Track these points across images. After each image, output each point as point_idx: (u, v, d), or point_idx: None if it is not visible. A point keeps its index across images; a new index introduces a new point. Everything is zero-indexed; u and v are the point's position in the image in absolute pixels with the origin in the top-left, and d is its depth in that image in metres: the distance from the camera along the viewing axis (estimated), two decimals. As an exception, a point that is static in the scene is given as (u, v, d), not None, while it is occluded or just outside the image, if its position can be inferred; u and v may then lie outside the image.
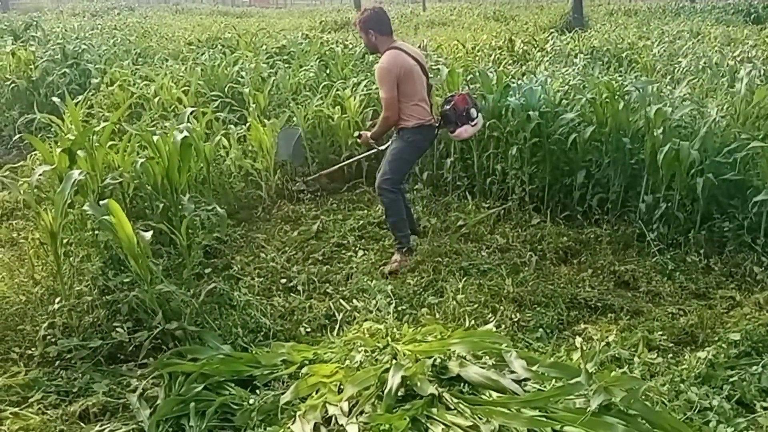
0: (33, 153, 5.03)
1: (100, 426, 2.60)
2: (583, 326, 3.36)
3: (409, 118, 4.19)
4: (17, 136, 5.01)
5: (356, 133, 4.88)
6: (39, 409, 2.70)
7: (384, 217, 4.48)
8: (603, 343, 2.97)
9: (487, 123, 4.99)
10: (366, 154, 5.19)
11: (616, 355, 2.88)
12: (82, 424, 2.64)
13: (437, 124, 4.37)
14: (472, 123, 4.30)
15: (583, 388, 2.06)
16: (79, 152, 3.95)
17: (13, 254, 4.12)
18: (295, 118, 5.77)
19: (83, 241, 3.91)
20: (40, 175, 3.42)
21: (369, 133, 4.51)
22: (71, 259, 3.75)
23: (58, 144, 4.09)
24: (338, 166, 5.57)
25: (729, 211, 4.24)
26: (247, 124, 5.65)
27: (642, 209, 4.51)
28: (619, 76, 6.46)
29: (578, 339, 3.07)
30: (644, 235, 4.39)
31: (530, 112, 4.78)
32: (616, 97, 4.71)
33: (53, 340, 3.09)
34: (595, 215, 4.77)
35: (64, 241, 3.87)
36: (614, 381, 2.09)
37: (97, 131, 4.20)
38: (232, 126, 5.69)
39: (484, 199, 5.20)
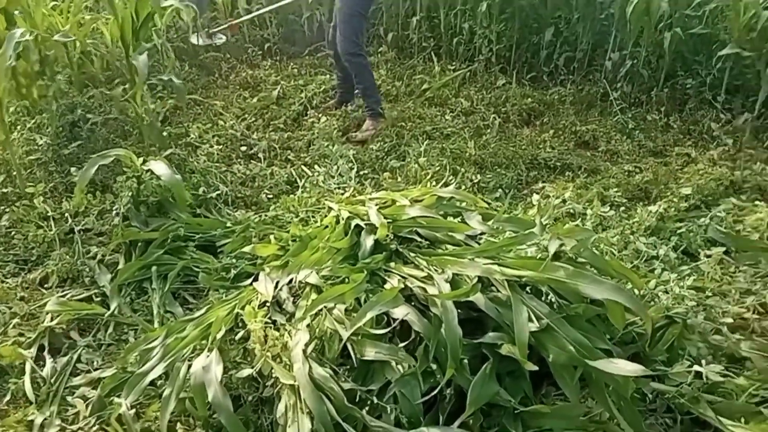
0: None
1: (62, 292, 2.61)
2: (541, 185, 3.41)
3: None
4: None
5: None
6: (-2, 277, 2.70)
7: (354, 81, 4.16)
8: (559, 200, 3.02)
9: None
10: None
11: (571, 211, 2.95)
12: (42, 290, 2.65)
13: None
14: None
15: (536, 239, 2.10)
16: (15, 12, 3.67)
17: (-43, 126, 3.92)
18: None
19: (34, 110, 3.74)
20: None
21: None
22: (20, 128, 3.60)
23: (-9, 5, 3.76)
24: (254, 15, 5.08)
25: (693, 67, 4.22)
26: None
27: (608, 67, 4.45)
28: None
29: (535, 197, 3.12)
30: (608, 94, 4.36)
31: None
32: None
33: (6, 209, 3.03)
34: (561, 75, 4.70)
35: (12, 109, 3.71)
36: (567, 232, 2.13)
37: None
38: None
39: (450, 61, 5.05)
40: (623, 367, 1.79)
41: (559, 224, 2.54)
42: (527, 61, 4.91)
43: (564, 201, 3.00)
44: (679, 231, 2.75)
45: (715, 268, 2.51)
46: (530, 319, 1.87)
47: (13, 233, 2.92)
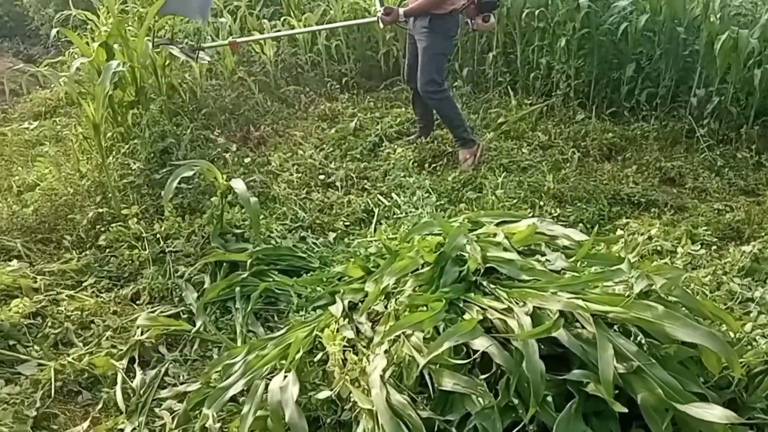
0: (71, 50, 5.03)
1: (152, 308, 2.73)
2: (624, 221, 3.32)
3: (446, 3, 3.83)
4: (54, 31, 4.97)
5: (380, 9, 4.11)
6: (93, 292, 2.84)
7: (437, 115, 4.22)
8: (645, 237, 2.93)
9: (535, 12, 4.74)
10: (345, 24, 4.92)
11: (658, 248, 2.85)
12: (134, 306, 2.78)
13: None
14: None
15: (623, 275, 2.04)
16: (115, 45, 3.94)
17: (59, 149, 4.21)
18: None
19: (128, 136, 3.98)
20: (78, 66, 3.40)
21: (403, 9, 3.94)
22: (115, 153, 3.83)
23: (95, 38, 4.06)
24: (257, 38, 5.07)
25: (787, 104, 4.04)
26: (282, 18, 5.51)
27: (693, 104, 4.33)
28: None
29: (619, 232, 3.03)
30: (694, 130, 4.23)
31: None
32: (673, -18, 4.40)
33: (102, 229, 3.21)
34: (643, 111, 4.59)
35: (108, 135, 3.95)
36: (656, 269, 2.06)
37: (132, 24, 4.16)
38: (266, 21, 5.53)
39: (526, 96, 5.04)
40: (716, 413, 1.70)
41: (647, 261, 2.45)
42: (607, 96, 4.83)
43: (650, 238, 2.91)
44: (775, 273, 2.61)
45: (818, 313, 2.36)
46: (617, 359, 1.81)
47: (108, 252, 3.08)
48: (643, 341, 1.87)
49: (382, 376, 1.93)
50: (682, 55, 4.47)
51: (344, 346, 2.14)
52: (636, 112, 4.66)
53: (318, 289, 2.70)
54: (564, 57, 4.78)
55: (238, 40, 4.65)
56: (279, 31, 5.19)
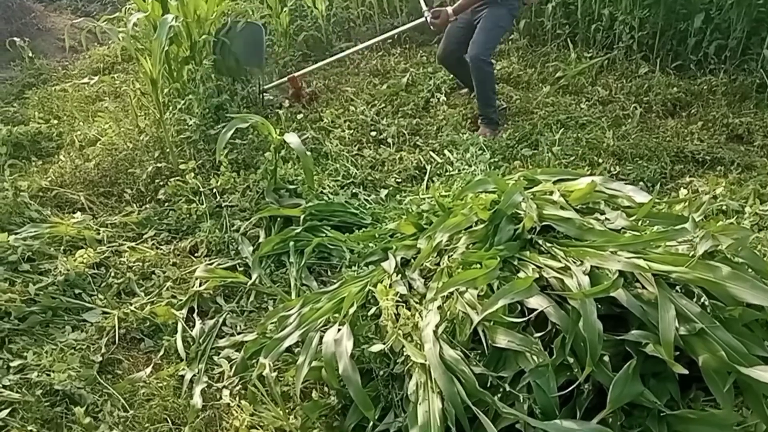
0: (127, 6, 5.09)
1: (209, 260, 2.80)
2: (688, 179, 3.18)
3: None
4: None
5: (426, 10, 4.04)
6: (153, 244, 2.94)
7: (475, 88, 3.94)
8: (710, 196, 2.81)
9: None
10: (395, 32, 4.51)
11: (724, 208, 2.73)
12: (192, 258, 2.86)
13: None
14: None
15: (687, 235, 1.96)
16: (171, 0, 3.96)
17: (118, 105, 4.31)
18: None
19: (183, 92, 4.03)
20: (135, 21, 3.44)
21: (451, 9, 3.82)
22: (171, 108, 3.89)
23: (150, -8, 4.08)
24: (314, 67, 4.60)
25: None
26: None
27: (766, 56, 4.07)
28: None
29: (683, 191, 2.92)
30: (765, 85, 4.00)
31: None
32: None
33: (161, 183, 3.29)
34: (711, 64, 4.35)
35: (165, 90, 4.01)
36: (722, 229, 1.97)
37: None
38: None
39: (586, 49, 4.83)
40: (782, 378, 1.64)
41: (712, 221, 2.35)
42: (672, 48, 4.58)
43: (715, 197, 2.78)
44: None
45: None
46: (679, 320, 1.76)
47: (167, 205, 3.16)
48: (706, 303, 1.81)
49: (435, 332, 1.93)
50: (755, 4, 4.19)
51: (397, 302, 2.14)
52: (703, 65, 4.42)
53: (370, 245, 2.71)
54: (628, 7, 4.54)
55: (296, 74, 4.42)
56: (334, 55, 4.72)
